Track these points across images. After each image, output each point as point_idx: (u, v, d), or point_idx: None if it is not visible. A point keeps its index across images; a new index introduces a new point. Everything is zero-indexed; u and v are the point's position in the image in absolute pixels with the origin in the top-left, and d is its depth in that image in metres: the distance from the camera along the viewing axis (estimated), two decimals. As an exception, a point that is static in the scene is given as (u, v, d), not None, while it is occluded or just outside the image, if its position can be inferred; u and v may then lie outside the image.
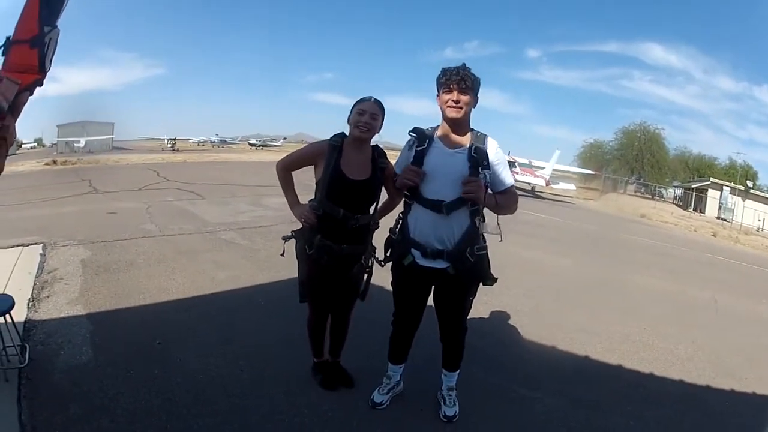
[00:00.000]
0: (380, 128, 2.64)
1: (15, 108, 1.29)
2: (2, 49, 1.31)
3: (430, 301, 2.73)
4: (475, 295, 2.68)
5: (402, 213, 2.64)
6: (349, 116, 2.62)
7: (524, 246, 8.40)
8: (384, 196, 2.79)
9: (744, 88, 78.88)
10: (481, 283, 2.63)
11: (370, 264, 2.78)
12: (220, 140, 53.61)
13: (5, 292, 3.75)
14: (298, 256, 2.75)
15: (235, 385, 2.99)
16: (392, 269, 2.70)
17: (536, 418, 2.98)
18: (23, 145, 37.54)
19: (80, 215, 8.23)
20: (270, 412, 2.74)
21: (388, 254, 2.71)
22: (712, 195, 31.12)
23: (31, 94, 1.35)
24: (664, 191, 40.47)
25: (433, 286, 2.66)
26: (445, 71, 2.42)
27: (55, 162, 21.06)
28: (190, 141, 52.56)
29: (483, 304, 4.47)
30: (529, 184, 25.73)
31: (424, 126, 2.62)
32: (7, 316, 2.90)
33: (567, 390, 3.35)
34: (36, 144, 43.95)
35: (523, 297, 5.43)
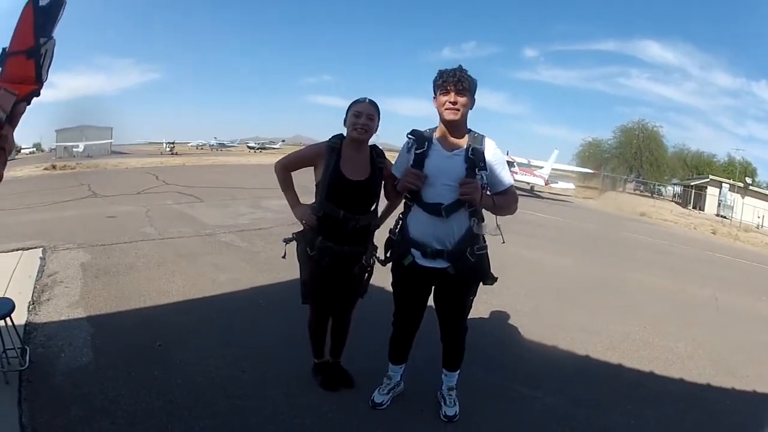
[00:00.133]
0: (377, 128, 2.65)
1: (12, 118, 1.30)
2: None
3: (431, 302, 2.73)
4: (475, 294, 2.68)
5: (402, 213, 2.64)
6: (345, 119, 2.63)
7: (524, 246, 8.40)
8: (383, 198, 2.80)
9: (742, 84, 79.01)
10: (481, 283, 2.63)
11: (371, 263, 2.79)
12: (219, 143, 53.52)
13: (6, 296, 3.78)
14: (300, 258, 2.76)
15: (236, 386, 2.99)
16: (392, 269, 2.70)
17: (537, 418, 2.98)
18: (22, 151, 37.52)
19: (80, 219, 8.23)
20: (271, 414, 2.74)
21: (388, 255, 2.71)
22: (712, 192, 31.11)
23: (29, 104, 1.35)
24: (663, 189, 40.42)
25: (433, 286, 2.66)
26: (441, 73, 2.42)
27: (54, 167, 20.99)
28: (189, 144, 52.49)
29: (483, 303, 4.47)
30: (528, 183, 25.73)
31: (422, 127, 2.61)
32: (8, 319, 2.90)
33: (567, 389, 3.35)
34: (35, 149, 43.91)
35: (524, 296, 5.44)
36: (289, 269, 3.09)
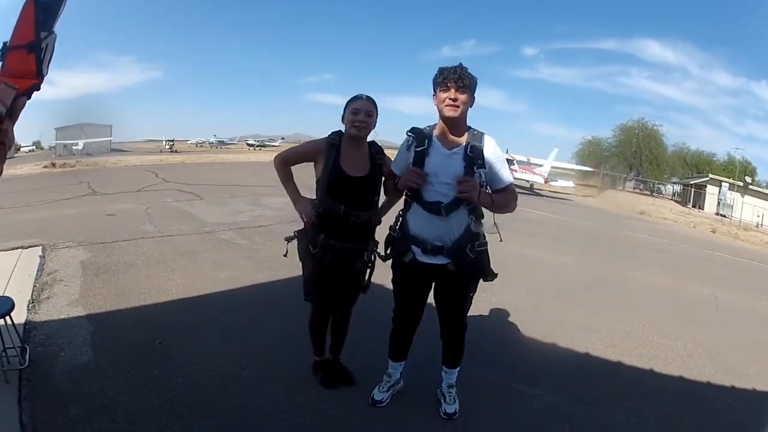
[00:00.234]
0: (375, 124, 2.65)
1: (13, 113, 1.30)
2: None
3: (430, 299, 2.73)
4: (475, 291, 2.68)
5: (402, 210, 2.64)
6: (343, 116, 2.62)
7: (524, 244, 8.40)
8: (382, 195, 2.79)
9: (741, 83, 78.95)
10: (481, 280, 2.63)
11: (372, 259, 2.79)
12: (219, 141, 53.49)
13: (5, 294, 3.76)
14: (302, 255, 2.75)
15: (236, 384, 2.99)
16: (392, 266, 2.70)
17: (536, 415, 2.99)
18: (21, 149, 37.44)
19: (79, 217, 8.22)
20: (271, 412, 2.75)
21: (388, 251, 2.71)
22: (711, 191, 31.12)
23: (29, 98, 1.35)
24: (662, 188, 40.44)
25: (433, 283, 2.66)
26: (442, 70, 2.42)
27: (53, 164, 21.02)
28: (189, 142, 52.39)
29: (483, 301, 4.47)
30: (528, 181, 25.75)
31: (421, 125, 2.61)
32: (8, 317, 2.90)
33: (567, 387, 3.35)
34: (34, 147, 43.81)
35: (524, 294, 5.44)
36: (289, 267, 3.09)
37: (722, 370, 3.99)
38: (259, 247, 6.61)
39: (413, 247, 2.54)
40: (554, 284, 6.24)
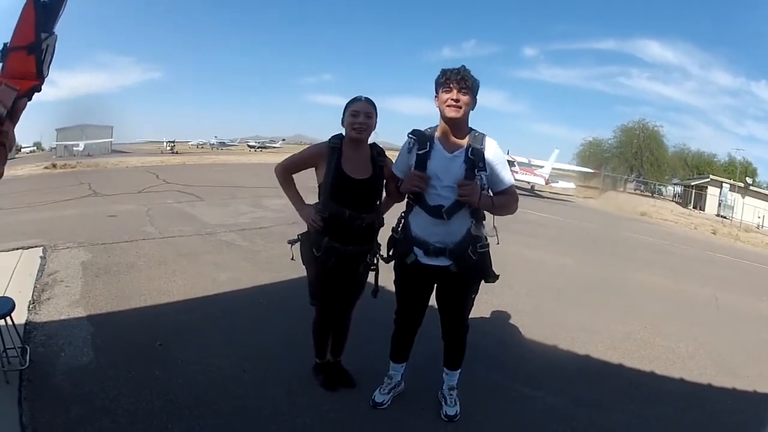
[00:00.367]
0: (375, 126, 2.64)
1: (13, 114, 1.30)
2: (0, 55, 1.31)
3: (432, 300, 2.73)
4: (477, 292, 2.68)
5: (404, 212, 2.64)
6: (343, 118, 2.62)
7: (525, 245, 8.40)
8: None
9: (741, 83, 79.01)
10: (483, 281, 2.63)
11: (375, 262, 2.78)
12: (219, 142, 53.54)
13: (6, 295, 3.77)
14: (306, 258, 2.75)
15: (237, 386, 2.99)
16: (395, 268, 2.70)
17: (538, 417, 2.98)
18: (22, 149, 37.50)
19: (80, 218, 8.22)
20: (272, 413, 2.74)
21: (390, 253, 2.71)
22: (712, 192, 31.08)
23: (30, 100, 1.34)
24: (663, 189, 40.42)
25: (435, 284, 2.66)
26: (444, 71, 2.41)
27: (54, 165, 21.03)
28: (189, 143, 52.50)
29: (484, 303, 4.47)
30: (529, 183, 25.72)
31: (422, 126, 2.60)
32: (8, 318, 2.90)
33: (568, 389, 3.35)
34: (35, 148, 43.88)
35: (525, 296, 5.43)
36: (291, 268, 3.09)
37: (723, 372, 3.98)
38: (260, 248, 6.61)
39: (415, 249, 2.54)
40: (555, 286, 6.24)
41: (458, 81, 2.36)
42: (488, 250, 2.57)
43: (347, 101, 2.64)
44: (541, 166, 28.49)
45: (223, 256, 6.14)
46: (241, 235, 7.40)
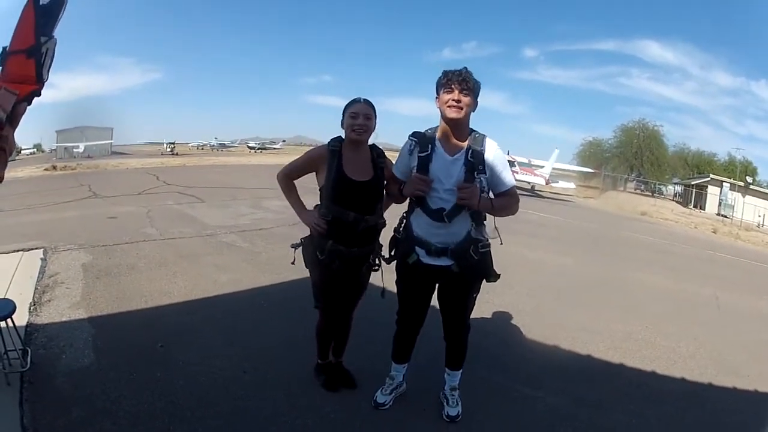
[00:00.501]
0: (375, 127, 2.65)
1: (13, 118, 1.30)
2: None
3: (433, 300, 2.73)
4: (478, 291, 2.68)
5: (406, 213, 2.65)
6: (342, 121, 2.62)
7: (526, 245, 8.40)
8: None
9: (741, 83, 78.92)
10: (484, 280, 2.63)
11: (377, 262, 2.79)
12: (219, 144, 53.49)
13: (6, 297, 3.77)
14: (309, 262, 2.75)
15: (238, 387, 2.99)
16: (396, 268, 2.70)
17: (539, 417, 2.98)
18: (22, 151, 37.49)
19: (80, 220, 8.23)
20: (273, 414, 2.74)
21: (392, 253, 2.71)
22: (712, 191, 31.07)
23: (29, 104, 1.34)
24: (663, 188, 40.42)
25: (436, 285, 2.67)
26: (446, 72, 2.41)
27: (54, 167, 21.02)
28: (189, 145, 52.47)
29: (485, 303, 4.47)
30: (529, 183, 25.70)
31: (422, 127, 2.60)
32: (9, 320, 2.90)
33: (569, 389, 3.35)
34: (35, 150, 43.88)
35: (525, 296, 5.43)
36: (291, 270, 3.09)
37: (724, 371, 3.98)
38: (261, 250, 6.61)
39: (417, 249, 2.54)
40: (556, 286, 6.24)
41: (460, 82, 2.36)
42: (489, 250, 2.57)
43: (346, 103, 2.65)
44: (542, 167, 28.46)
45: (224, 257, 6.14)
46: (241, 236, 7.41)
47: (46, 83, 1.35)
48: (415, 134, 2.54)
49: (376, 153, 2.69)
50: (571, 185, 29.17)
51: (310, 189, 2.81)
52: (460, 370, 2.88)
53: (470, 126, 2.52)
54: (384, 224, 2.74)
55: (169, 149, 40.30)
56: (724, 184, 30.82)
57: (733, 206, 28.70)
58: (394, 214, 2.76)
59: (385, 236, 2.77)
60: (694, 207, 31.91)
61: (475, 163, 2.44)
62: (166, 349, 3.42)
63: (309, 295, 2.84)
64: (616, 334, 4.58)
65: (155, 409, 2.70)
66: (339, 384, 3.01)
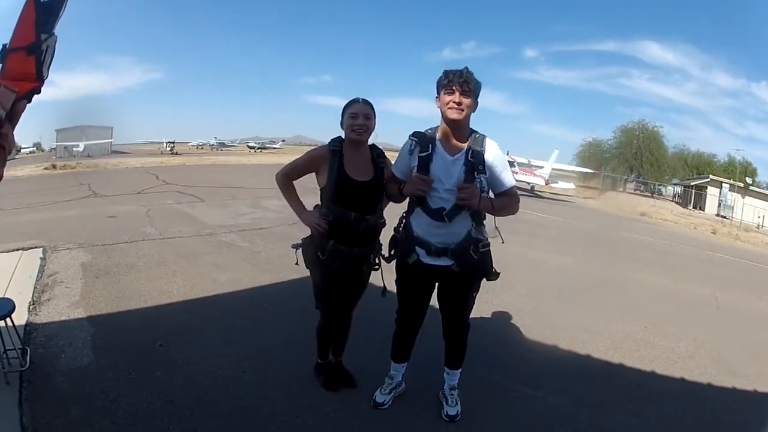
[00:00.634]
0: (374, 127, 2.65)
1: (12, 116, 1.29)
2: None
3: (433, 300, 2.73)
4: (478, 291, 2.68)
5: (405, 212, 2.64)
6: (342, 121, 2.62)
7: (525, 245, 8.40)
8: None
9: (742, 84, 79.06)
10: (484, 279, 2.63)
11: (378, 261, 2.79)
12: (219, 143, 53.46)
13: (6, 296, 3.77)
14: (310, 262, 2.74)
15: (237, 386, 2.99)
16: (396, 268, 2.70)
17: (539, 417, 2.98)
18: (22, 150, 37.44)
19: (80, 219, 8.22)
20: (272, 414, 2.74)
21: (392, 253, 2.71)
22: (712, 192, 31.09)
23: (29, 102, 1.34)
24: (663, 189, 40.44)
25: (436, 284, 2.67)
26: (447, 73, 2.40)
27: (54, 166, 20.99)
28: (189, 144, 52.44)
29: (485, 303, 4.46)
30: (529, 183, 25.70)
31: (422, 127, 2.60)
32: (8, 319, 2.89)
33: (569, 389, 3.35)
34: (35, 149, 43.82)
35: (525, 296, 5.43)
36: (291, 269, 3.09)
37: (724, 371, 3.98)
38: (260, 249, 6.61)
39: (417, 249, 2.54)
40: (555, 286, 6.24)
41: (461, 84, 2.35)
42: (489, 250, 2.58)
43: (345, 103, 2.65)
44: (541, 167, 28.47)
45: (223, 256, 6.14)
46: (241, 235, 7.40)
47: (46, 81, 1.35)
48: (415, 134, 2.54)
49: (376, 153, 2.70)
50: (571, 186, 29.17)
51: (309, 189, 2.81)
52: (460, 370, 2.88)
53: (470, 126, 2.52)
54: (384, 224, 2.74)
55: (168, 148, 40.23)
56: (723, 185, 30.83)
57: (733, 207, 28.71)
58: (393, 213, 2.76)
59: (385, 236, 2.77)
60: (693, 208, 31.94)
61: (476, 163, 2.44)
62: (165, 349, 3.42)
63: (308, 294, 2.83)
64: (616, 334, 4.58)
65: (154, 408, 2.70)
66: (338, 383, 3.00)
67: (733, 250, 14.04)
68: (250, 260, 6.04)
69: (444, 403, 2.86)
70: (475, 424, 2.81)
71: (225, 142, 54.38)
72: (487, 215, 2.57)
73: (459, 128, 2.46)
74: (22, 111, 1.32)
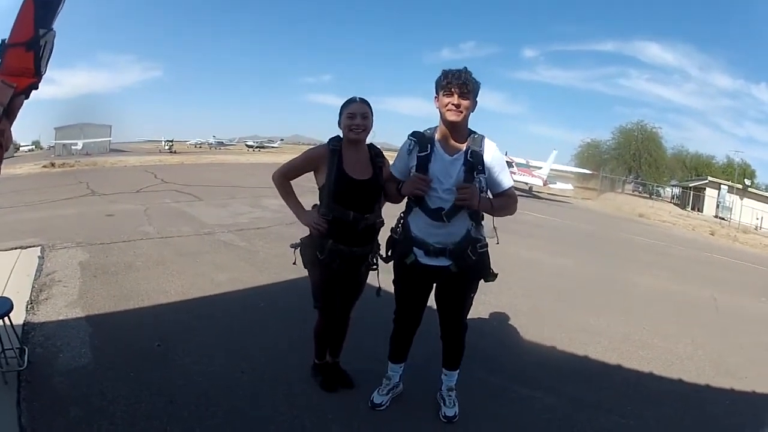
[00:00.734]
0: (372, 125, 2.65)
1: (10, 112, 1.28)
2: None
3: (430, 300, 2.73)
4: (476, 291, 2.69)
5: (403, 213, 2.64)
6: (340, 121, 2.62)
7: (523, 246, 8.41)
8: None
9: (741, 85, 79.33)
10: (482, 280, 2.63)
11: (375, 261, 2.79)
12: (218, 142, 53.51)
13: (4, 295, 3.75)
14: (309, 262, 2.74)
15: (236, 387, 2.98)
16: (394, 268, 2.70)
17: (537, 418, 2.98)
18: (21, 148, 37.34)
19: (78, 217, 8.20)
20: (270, 414, 2.74)
21: (389, 253, 2.71)
22: (710, 194, 31.17)
23: (27, 97, 1.33)
24: (661, 190, 40.50)
25: (434, 284, 2.67)
26: (446, 74, 2.40)
27: (53, 164, 20.95)
28: (188, 143, 52.49)
29: (483, 304, 4.46)
30: (527, 184, 25.75)
31: (420, 127, 2.61)
32: (6, 318, 2.89)
33: (567, 390, 3.35)
34: (34, 146, 43.72)
35: (523, 297, 5.43)
36: (289, 270, 3.09)
37: (722, 373, 3.99)
38: (259, 249, 6.60)
39: (415, 249, 2.54)
40: (553, 286, 6.25)
41: (459, 86, 2.35)
42: (487, 250, 2.58)
43: (342, 103, 2.65)
44: (540, 167, 28.51)
45: (222, 256, 6.13)
46: (239, 235, 7.39)
47: (44, 78, 1.34)
48: (414, 134, 2.54)
49: (374, 152, 2.71)
50: (569, 186, 29.20)
51: (306, 189, 2.80)
52: (457, 371, 2.88)
53: (469, 126, 2.52)
54: (382, 223, 2.75)
55: (167, 147, 40.21)
56: (722, 186, 30.89)
57: (731, 208, 28.76)
58: (391, 214, 2.76)
59: (383, 237, 2.77)
60: (691, 209, 32.01)
61: (475, 163, 2.44)
62: (163, 348, 3.41)
63: (306, 295, 2.83)
64: (614, 335, 4.59)
65: (153, 408, 2.69)
66: (336, 384, 3.00)
67: (732, 252, 14.08)
68: (249, 260, 6.03)
69: (442, 404, 2.86)
70: (473, 425, 2.81)
71: (223, 141, 54.46)
72: (485, 216, 2.57)
73: (458, 129, 2.47)
74: (20, 107, 1.32)
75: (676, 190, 39.18)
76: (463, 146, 2.47)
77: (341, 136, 2.65)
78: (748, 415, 3.43)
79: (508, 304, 4.97)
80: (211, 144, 52.71)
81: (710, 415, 3.32)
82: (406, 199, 2.61)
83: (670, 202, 36.21)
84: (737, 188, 30.39)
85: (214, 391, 2.90)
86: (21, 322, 3.58)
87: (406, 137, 2.57)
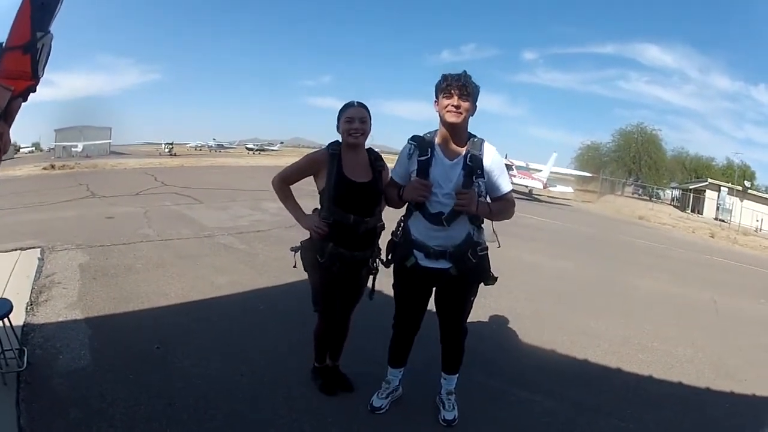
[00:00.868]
0: (370, 129, 2.65)
1: (8, 115, 1.29)
2: None
3: (430, 304, 2.73)
4: (476, 295, 2.69)
5: (403, 216, 2.64)
6: (338, 125, 2.63)
7: (523, 249, 8.40)
8: None
9: (740, 87, 79.46)
10: (482, 283, 2.63)
11: (375, 265, 2.79)
12: (218, 145, 53.60)
13: (3, 296, 3.75)
14: (309, 265, 2.74)
15: (235, 389, 2.98)
16: (394, 272, 2.70)
17: (536, 422, 2.98)
18: (21, 150, 37.44)
19: (78, 220, 8.20)
20: (270, 417, 2.73)
21: (389, 257, 2.71)
22: (710, 196, 31.18)
23: (25, 100, 1.33)
24: (661, 193, 40.54)
25: (434, 288, 2.66)
26: (446, 77, 2.41)
27: (53, 166, 20.93)
28: (188, 145, 52.61)
29: (483, 307, 4.46)
30: (527, 187, 25.74)
31: (420, 131, 2.61)
32: (6, 320, 2.89)
33: (567, 393, 3.35)
34: (33, 148, 43.79)
35: (523, 300, 5.43)
36: (289, 273, 3.09)
37: (722, 375, 3.99)
38: (259, 251, 6.60)
39: (415, 252, 2.54)
40: (553, 289, 6.24)
41: (459, 87, 2.36)
42: (487, 253, 2.58)
43: (340, 108, 2.65)
44: (539, 170, 28.52)
45: (222, 259, 6.13)
46: (239, 238, 7.39)
47: (42, 80, 1.34)
48: (414, 138, 2.55)
49: (374, 156, 2.71)
50: (569, 189, 29.23)
51: (305, 192, 2.80)
52: (457, 374, 2.88)
53: (468, 130, 2.52)
54: (383, 227, 2.75)
55: (167, 150, 40.25)
56: (722, 188, 30.91)
57: (731, 211, 28.75)
58: (391, 218, 2.76)
59: (383, 240, 2.77)
60: (691, 211, 32.01)
61: (474, 167, 2.45)
62: (163, 351, 3.40)
63: (306, 298, 2.83)
64: (614, 338, 4.58)
65: (152, 411, 2.69)
66: (336, 387, 3.00)
67: (732, 254, 14.07)
68: (248, 263, 6.02)
69: (441, 407, 2.86)
70: (472, 428, 2.81)
71: (223, 143, 54.53)
72: (485, 219, 2.57)
73: (457, 132, 2.47)
74: (18, 110, 1.32)
75: (676, 193, 39.23)
76: (463, 150, 2.47)
77: (340, 140, 2.65)
78: (749, 416, 3.42)
79: (508, 307, 4.96)
80: (212, 147, 52.79)
81: (710, 418, 3.32)
82: (406, 203, 2.62)
83: (670, 205, 36.23)
84: (737, 190, 30.39)
85: (214, 394, 2.90)
86: (21, 323, 3.58)
87: (406, 141, 2.57)
